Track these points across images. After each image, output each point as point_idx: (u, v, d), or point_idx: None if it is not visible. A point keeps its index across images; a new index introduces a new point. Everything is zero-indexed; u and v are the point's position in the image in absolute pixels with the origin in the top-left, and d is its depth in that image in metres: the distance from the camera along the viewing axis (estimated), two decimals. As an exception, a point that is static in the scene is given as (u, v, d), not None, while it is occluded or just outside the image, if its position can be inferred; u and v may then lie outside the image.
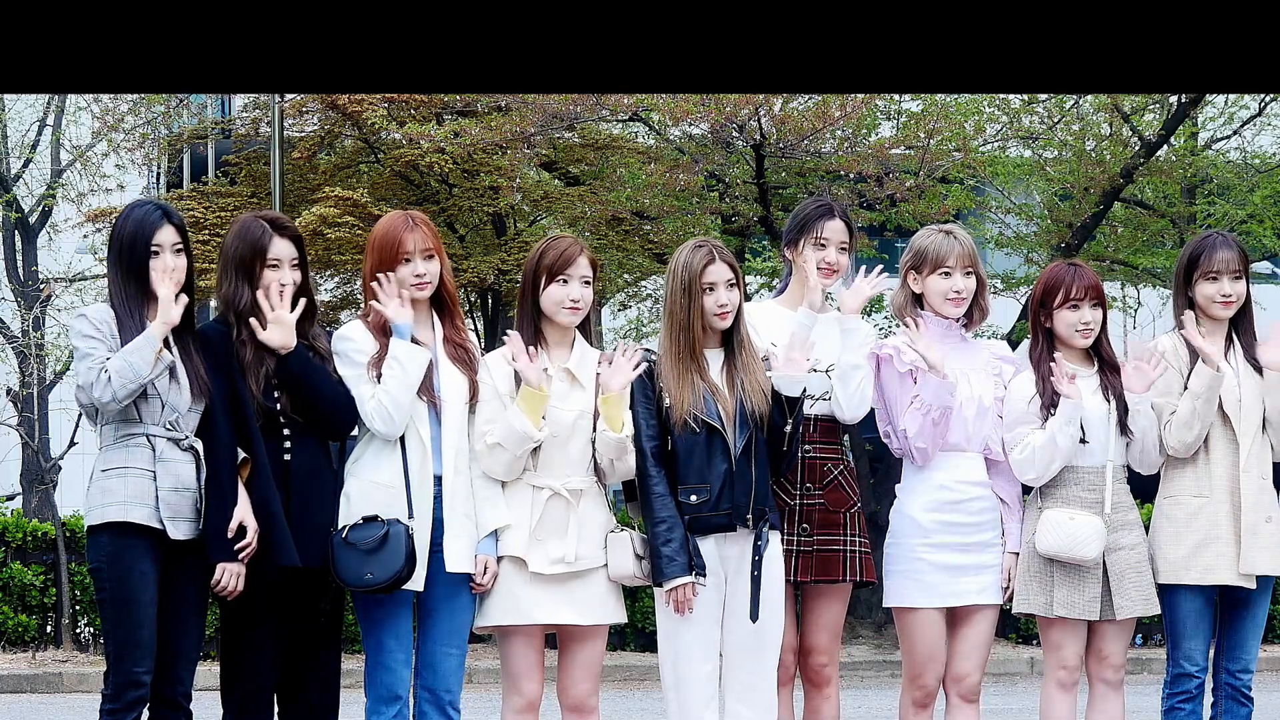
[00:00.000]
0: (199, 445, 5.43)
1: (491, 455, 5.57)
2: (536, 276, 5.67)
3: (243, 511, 5.42)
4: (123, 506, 5.32)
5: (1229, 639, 6.17)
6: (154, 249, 5.42)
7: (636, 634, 14.76)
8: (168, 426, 5.40)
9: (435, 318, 5.75)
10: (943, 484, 5.92)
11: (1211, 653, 6.17)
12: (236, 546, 5.40)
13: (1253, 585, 6.02)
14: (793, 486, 5.86)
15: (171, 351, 5.40)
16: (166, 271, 5.39)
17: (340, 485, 5.62)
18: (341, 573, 5.47)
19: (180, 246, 5.47)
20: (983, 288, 6.07)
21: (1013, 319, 15.66)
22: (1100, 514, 5.88)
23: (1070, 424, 5.86)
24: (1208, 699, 6.16)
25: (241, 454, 5.49)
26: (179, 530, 5.37)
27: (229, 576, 5.41)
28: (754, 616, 5.58)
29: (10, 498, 18.50)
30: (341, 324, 5.87)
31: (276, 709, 5.62)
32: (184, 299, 5.41)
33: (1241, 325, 6.18)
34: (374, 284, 5.63)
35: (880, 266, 6.02)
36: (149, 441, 5.38)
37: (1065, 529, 5.83)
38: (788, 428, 5.63)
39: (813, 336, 5.79)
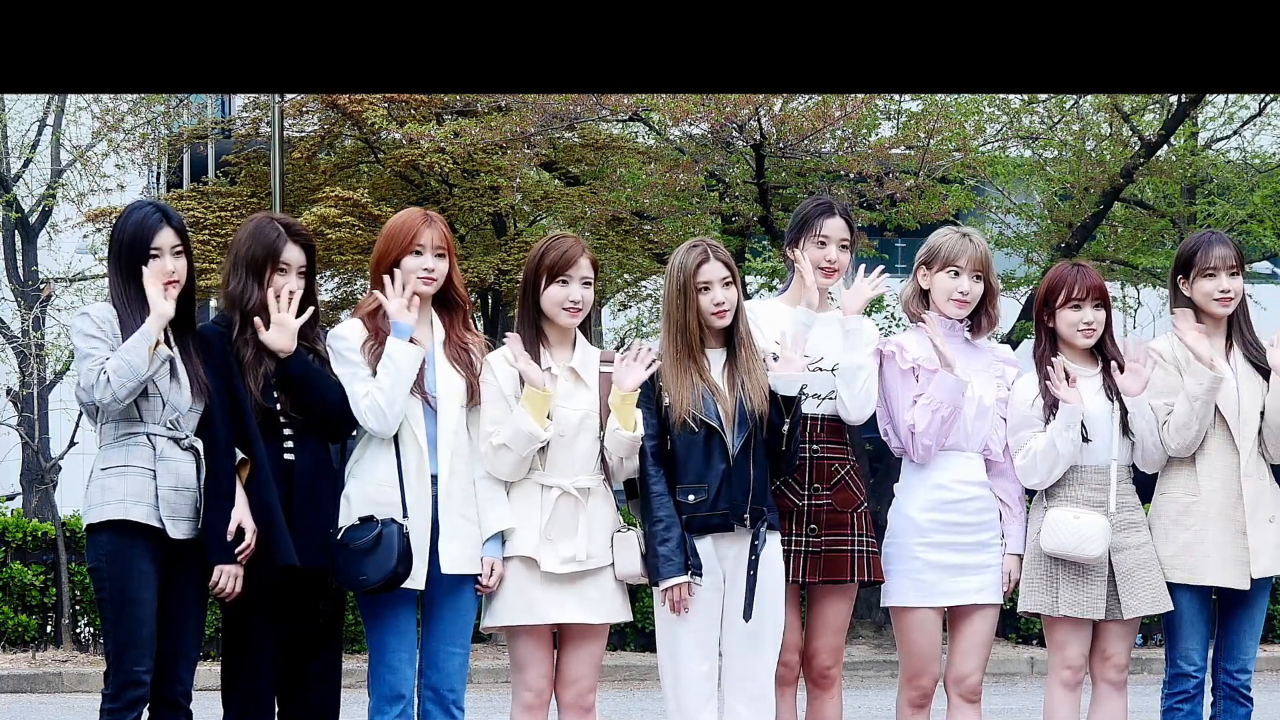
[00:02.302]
0: (199, 444, 5.43)
1: (497, 456, 5.58)
2: (537, 277, 5.68)
3: (241, 513, 5.42)
4: (122, 505, 5.32)
5: (1227, 638, 6.16)
6: (153, 251, 5.42)
7: (637, 634, 14.75)
8: (169, 425, 5.40)
9: (435, 318, 5.75)
10: (941, 484, 5.92)
11: (1210, 653, 6.17)
12: (236, 549, 5.41)
13: (1245, 586, 6.02)
14: (800, 487, 5.86)
15: (171, 348, 5.41)
16: (157, 272, 5.39)
17: (342, 485, 5.63)
18: (339, 574, 5.48)
19: (180, 249, 5.47)
20: (993, 296, 6.04)
21: (1013, 319, 15.65)
22: (1105, 513, 5.88)
23: (1070, 428, 5.85)
24: (1207, 699, 6.16)
25: (240, 455, 5.49)
26: (178, 529, 5.37)
27: (227, 578, 5.41)
28: (747, 616, 5.59)
29: (10, 498, 18.51)
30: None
31: (277, 709, 5.63)
32: (175, 289, 5.40)
33: (1239, 326, 6.17)
34: (385, 276, 5.63)
35: (881, 267, 6.01)
36: (149, 440, 5.38)
37: (1070, 528, 5.83)
38: (785, 427, 5.64)
39: (815, 336, 5.80)
